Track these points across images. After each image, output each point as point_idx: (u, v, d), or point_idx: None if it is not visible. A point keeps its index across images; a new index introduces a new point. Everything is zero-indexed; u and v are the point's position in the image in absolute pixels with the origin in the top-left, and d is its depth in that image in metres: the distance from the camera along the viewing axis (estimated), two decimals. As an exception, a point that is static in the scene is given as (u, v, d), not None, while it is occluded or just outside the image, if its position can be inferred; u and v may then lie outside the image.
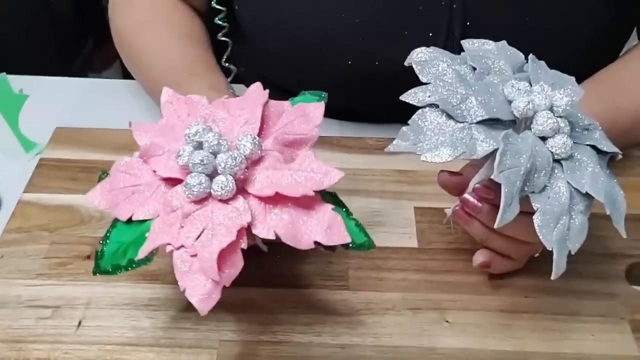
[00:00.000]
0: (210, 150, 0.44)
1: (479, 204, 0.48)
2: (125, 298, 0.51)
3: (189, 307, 0.49)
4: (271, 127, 0.47)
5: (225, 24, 0.69)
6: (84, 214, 0.58)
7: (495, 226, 0.43)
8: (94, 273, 0.44)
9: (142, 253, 0.42)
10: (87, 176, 0.61)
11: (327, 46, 0.64)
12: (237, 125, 0.46)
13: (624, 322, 0.51)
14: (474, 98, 0.45)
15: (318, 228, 0.42)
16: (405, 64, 0.48)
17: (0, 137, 0.65)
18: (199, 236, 0.42)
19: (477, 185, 0.48)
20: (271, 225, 0.42)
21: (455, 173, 0.51)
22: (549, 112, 0.45)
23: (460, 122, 0.44)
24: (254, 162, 0.45)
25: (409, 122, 0.45)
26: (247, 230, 0.42)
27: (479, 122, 0.44)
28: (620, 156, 0.50)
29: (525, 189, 0.44)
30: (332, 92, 0.68)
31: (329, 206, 0.43)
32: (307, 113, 0.46)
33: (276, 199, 0.42)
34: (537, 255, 0.51)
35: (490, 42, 0.50)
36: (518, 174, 0.43)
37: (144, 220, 0.44)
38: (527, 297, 0.52)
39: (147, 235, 0.43)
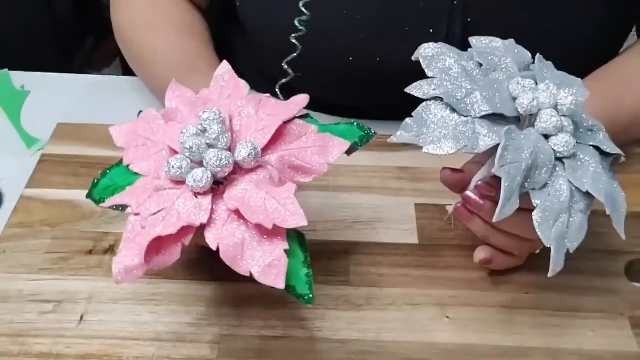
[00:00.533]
0: (208, 141, 0.44)
1: (481, 202, 0.48)
2: (127, 293, 0.51)
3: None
4: (284, 145, 0.46)
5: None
6: (86, 209, 0.58)
7: (494, 220, 0.43)
8: (87, 197, 0.48)
9: (109, 203, 0.45)
10: (88, 172, 0.61)
11: (327, 44, 0.65)
12: (253, 128, 0.46)
13: (623, 319, 0.51)
14: (478, 93, 0.45)
15: (260, 261, 0.41)
16: (413, 58, 0.48)
17: (2, 133, 0.65)
18: (156, 213, 0.43)
19: (479, 183, 0.48)
20: (221, 236, 0.42)
21: (457, 170, 0.51)
22: (553, 110, 0.45)
23: (464, 116, 0.45)
24: (246, 170, 0.45)
25: (413, 114, 0.45)
26: (201, 229, 0.42)
27: (482, 117, 0.45)
28: (623, 158, 0.50)
29: (526, 185, 0.44)
30: (333, 89, 0.69)
31: (283, 246, 0.41)
32: (327, 146, 0.45)
33: (240, 215, 0.42)
34: (537, 252, 0.51)
35: (498, 39, 0.50)
36: (519, 169, 0.43)
37: (137, 174, 0.47)
38: (527, 294, 0.52)
39: (127, 189, 0.46)
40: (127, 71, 0.73)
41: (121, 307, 0.51)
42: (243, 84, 0.50)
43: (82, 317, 0.50)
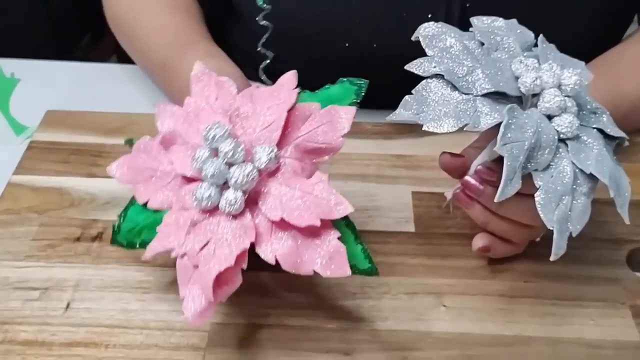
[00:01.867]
0: (225, 160, 0.42)
1: (481, 186, 0.47)
2: (115, 280, 0.50)
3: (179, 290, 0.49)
4: (293, 133, 0.44)
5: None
6: (74, 196, 0.56)
7: (495, 200, 0.42)
8: (112, 243, 0.47)
9: (149, 253, 0.43)
10: (78, 159, 0.60)
11: (324, 29, 0.63)
12: (259, 127, 0.44)
13: (625, 308, 0.49)
14: (480, 71, 0.44)
15: (319, 258, 0.41)
16: (412, 38, 0.47)
17: (-10, 120, 0.64)
18: (202, 247, 0.41)
19: (479, 167, 0.47)
20: (274, 247, 0.41)
21: (456, 155, 0.50)
22: (557, 90, 0.44)
23: (465, 94, 0.43)
24: (268, 172, 0.43)
25: (413, 91, 0.44)
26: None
27: (484, 96, 0.43)
28: (627, 142, 0.49)
29: (529, 165, 0.43)
30: (330, 75, 0.67)
31: (335, 235, 0.41)
32: (335, 119, 0.44)
33: (284, 220, 0.41)
34: (538, 240, 0.50)
35: (500, 19, 0.49)
36: (522, 148, 0.42)
37: (158, 210, 0.46)
38: (526, 282, 0.51)
39: (157, 229, 0.43)
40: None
41: (109, 295, 0.49)
42: (226, 81, 0.47)
43: (68, 305, 0.48)
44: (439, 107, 0.43)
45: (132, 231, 0.46)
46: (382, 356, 0.46)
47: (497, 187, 0.44)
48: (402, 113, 0.43)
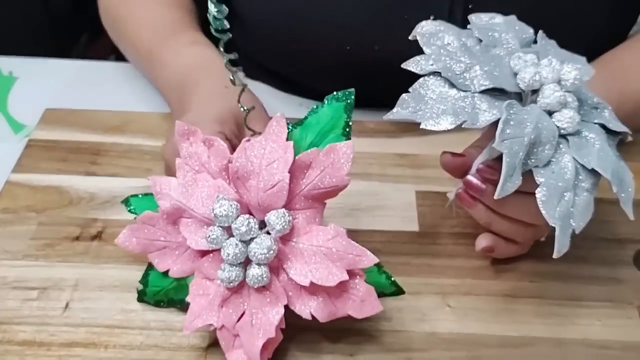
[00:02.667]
0: (241, 238, 0.41)
1: (483, 186, 0.46)
2: (114, 280, 0.49)
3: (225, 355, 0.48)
4: (298, 184, 0.43)
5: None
6: (73, 195, 0.56)
7: (495, 197, 0.42)
8: (138, 301, 0.48)
9: (188, 330, 0.43)
10: (77, 157, 0.59)
11: (325, 31, 0.63)
12: (262, 187, 0.42)
13: (632, 308, 0.49)
14: (478, 67, 0.43)
15: (351, 304, 0.42)
16: (410, 37, 0.47)
17: (-12, 118, 0.63)
18: (239, 318, 0.43)
19: (480, 166, 0.46)
20: (308, 305, 0.42)
21: (458, 154, 0.49)
22: (557, 85, 0.44)
23: (463, 91, 0.43)
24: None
25: (410, 89, 0.43)
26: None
27: (482, 92, 0.43)
28: (630, 137, 0.48)
29: (529, 162, 0.42)
30: (331, 77, 0.67)
31: (362, 278, 0.42)
32: (337, 159, 0.42)
33: (313, 285, 0.42)
34: (543, 239, 0.50)
35: (499, 15, 0.48)
36: (521, 144, 0.41)
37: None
38: (531, 282, 0.50)
39: (188, 299, 0.44)
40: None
41: (108, 295, 0.48)
42: (215, 140, 0.44)
43: (67, 305, 0.48)
44: (437, 105, 0.43)
45: (158, 294, 0.47)
46: (386, 357, 0.46)
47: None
48: (400, 111, 0.43)
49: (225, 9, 0.41)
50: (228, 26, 0.42)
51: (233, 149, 0.50)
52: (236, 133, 0.53)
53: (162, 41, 0.61)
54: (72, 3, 1.58)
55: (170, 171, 0.52)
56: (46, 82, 0.69)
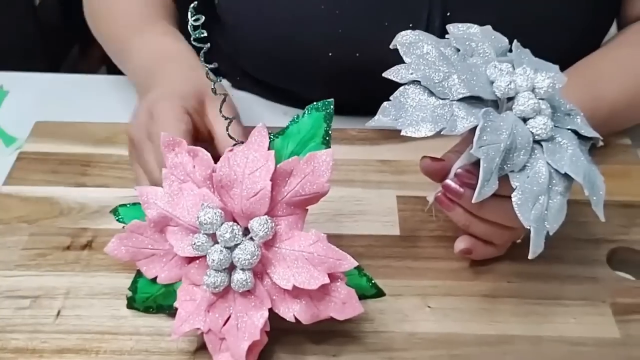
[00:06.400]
0: (225, 245, 0.43)
1: (461, 189, 0.48)
2: (105, 288, 0.51)
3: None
4: (280, 192, 0.45)
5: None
6: (64, 205, 0.57)
7: (473, 201, 0.43)
8: (128, 307, 0.49)
9: (176, 335, 0.44)
10: (67, 168, 0.61)
11: (306, 38, 0.64)
12: (245, 195, 0.44)
13: (605, 306, 0.50)
14: (456, 76, 0.45)
15: (334, 306, 0.44)
16: (391, 46, 0.48)
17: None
18: (225, 322, 0.44)
19: (458, 171, 0.48)
20: (292, 308, 0.44)
21: (437, 159, 0.51)
22: (531, 93, 0.45)
23: (442, 99, 0.45)
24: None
25: (391, 98, 0.45)
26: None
27: (460, 100, 0.44)
28: (601, 142, 0.50)
29: (505, 167, 0.44)
30: (313, 83, 0.69)
31: (343, 281, 0.44)
32: (317, 167, 0.44)
33: (295, 288, 0.43)
34: (519, 241, 0.51)
35: (476, 26, 0.50)
36: (498, 150, 0.43)
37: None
38: (509, 282, 0.52)
39: (175, 305, 0.45)
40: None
41: (99, 302, 0.50)
42: (200, 150, 0.46)
43: (59, 312, 0.49)
44: (417, 113, 0.44)
45: (147, 300, 0.48)
46: (368, 357, 0.47)
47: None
48: (381, 119, 0.44)
49: (202, 17, 0.43)
50: (206, 34, 0.43)
51: (195, 125, 0.53)
52: (198, 110, 0.54)
53: (133, 32, 0.64)
54: (62, 14, 1.59)
55: (134, 147, 0.54)
56: (37, 96, 0.71)
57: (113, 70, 0.71)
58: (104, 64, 1.48)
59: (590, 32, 0.68)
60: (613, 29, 0.72)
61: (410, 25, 0.62)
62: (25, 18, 1.47)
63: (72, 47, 1.66)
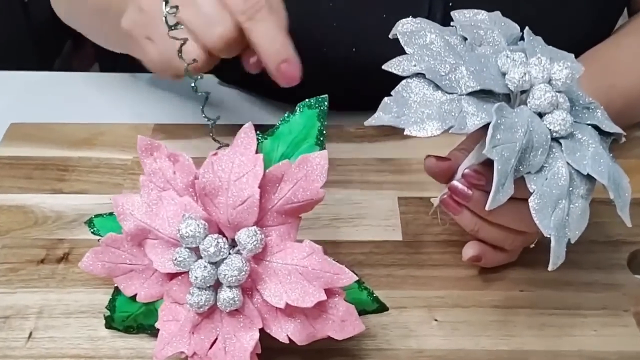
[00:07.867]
0: (210, 260, 0.39)
1: (469, 191, 0.44)
2: (81, 305, 0.47)
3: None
4: (270, 199, 0.41)
5: None
6: (39, 214, 0.53)
7: (487, 208, 0.39)
8: (106, 327, 0.45)
9: (157, 358, 0.41)
10: (42, 174, 0.57)
11: (301, 33, 0.61)
12: (231, 204, 0.40)
13: (628, 315, 0.47)
14: (464, 68, 0.41)
15: (332, 325, 0.40)
16: (390, 35, 0.44)
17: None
18: (211, 345, 0.41)
19: (466, 171, 0.44)
20: (285, 328, 0.40)
21: (442, 158, 0.47)
22: (547, 85, 0.41)
23: (449, 94, 0.40)
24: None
25: (392, 93, 0.41)
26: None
27: (469, 94, 0.40)
28: (624, 138, 0.46)
29: (521, 168, 0.40)
30: (309, 81, 0.65)
31: (341, 297, 0.40)
32: (310, 171, 0.40)
33: (289, 306, 0.39)
34: (532, 246, 0.47)
35: (483, 12, 0.46)
36: (513, 150, 0.39)
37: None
38: (522, 291, 0.48)
39: (157, 325, 0.42)
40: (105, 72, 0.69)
41: (75, 322, 0.46)
42: (180, 155, 0.42)
43: (30, 334, 0.45)
44: (421, 109, 0.40)
45: (127, 320, 0.44)
46: (370, 378, 0.43)
47: (486, 192, 0.41)
48: (382, 117, 0.40)
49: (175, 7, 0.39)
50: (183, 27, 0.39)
51: None
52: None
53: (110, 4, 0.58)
54: (50, 11, 1.55)
55: (135, 41, 0.49)
56: (12, 96, 0.67)
57: (106, 67, 0.68)
58: (97, 61, 1.45)
59: (600, 21, 0.65)
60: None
61: (411, 17, 0.59)
62: (18, 15, 1.44)
63: (65, 43, 1.63)
